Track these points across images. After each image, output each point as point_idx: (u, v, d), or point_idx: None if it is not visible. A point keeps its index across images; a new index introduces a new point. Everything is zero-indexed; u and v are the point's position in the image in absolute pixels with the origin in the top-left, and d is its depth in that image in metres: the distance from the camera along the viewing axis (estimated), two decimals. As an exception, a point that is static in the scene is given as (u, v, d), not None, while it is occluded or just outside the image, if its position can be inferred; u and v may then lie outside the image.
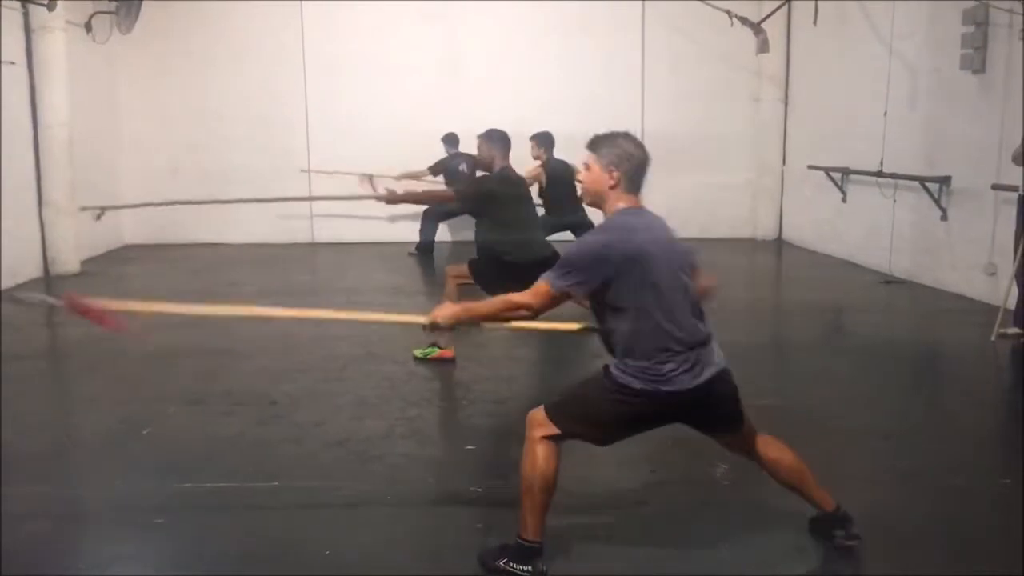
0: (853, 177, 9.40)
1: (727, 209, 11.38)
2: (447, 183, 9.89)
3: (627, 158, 2.95)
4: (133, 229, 11.11)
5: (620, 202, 2.96)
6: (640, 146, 2.99)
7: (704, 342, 2.92)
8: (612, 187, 2.95)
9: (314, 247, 11.28)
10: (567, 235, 7.45)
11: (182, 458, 4.16)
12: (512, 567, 2.99)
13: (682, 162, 10.80)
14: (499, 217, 5.38)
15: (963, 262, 7.51)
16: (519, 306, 2.96)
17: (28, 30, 8.87)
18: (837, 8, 9.40)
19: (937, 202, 7.79)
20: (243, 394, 5.13)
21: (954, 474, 3.93)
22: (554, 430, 2.94)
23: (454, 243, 10.98)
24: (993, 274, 7.06)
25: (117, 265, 10.01)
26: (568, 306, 3.11)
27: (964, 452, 4.25)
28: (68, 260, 9.19)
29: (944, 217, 7.77)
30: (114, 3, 9.83)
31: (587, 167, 3.00)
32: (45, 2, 8.52)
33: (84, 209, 9.51)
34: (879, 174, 8.59)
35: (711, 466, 3.82)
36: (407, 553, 3.30)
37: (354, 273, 9.39)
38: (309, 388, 5.24)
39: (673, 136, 10.71)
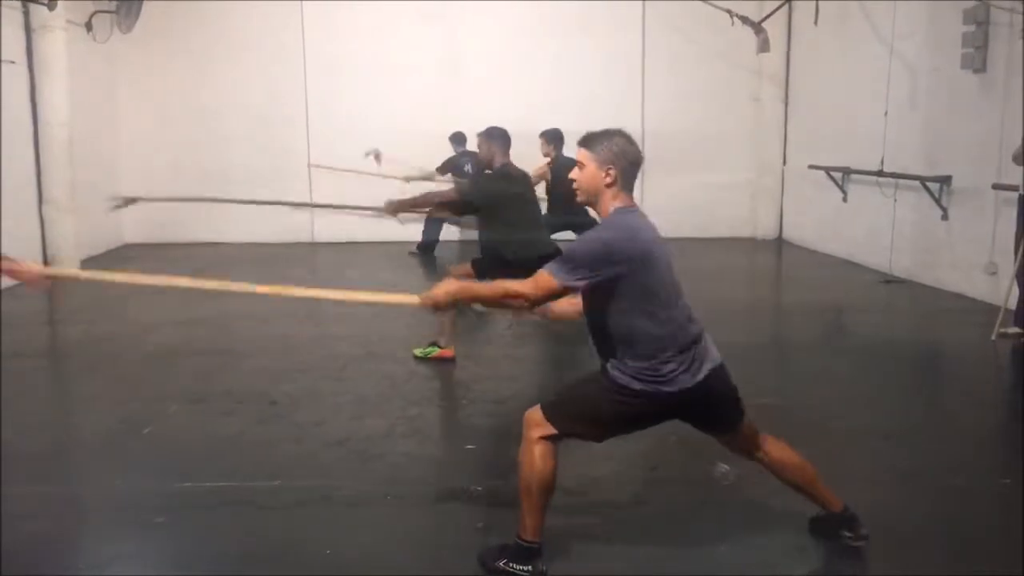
0: (854, 176, 9.40)
1: (727, 209, 11.37)
2: (455, 182, 9.88)
3: (622, 155, 2.89)
4: (133, 228, 11.09)
5: (617, 201, 2.91)
6: (634, 144, 2.93)
7: (698, 339, 2.92)
8: (608, 185, 2.89)
9: (315, 246, 11.28)
10: (568, 235, 7.42)
11: (182, 457, 4.16)
12: (512, 567, 2.98)
13: (682, 162, 10.85)
14: (502, 216, 5.37)
15: (964, 262, 7.51)
16: (518, 295, 2.90)
17: (28, 29, 8.88)
18: (838, 8, 9.40)
19: (938, 202, 7.78)
20: (243, 394, 5.13)
21: (954, 474, 3.92)
22: (551, 430, 2.92)
23: (459, 242, 10.94)
24: (994, 274, 7.06)
25: (117, 264, 9.96)
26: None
27: (964, 452, 4.24)
28: (68, 259, 9.17)
29: (945, 217, 7.77)
30: (114, 2, 9.83)
31: (581, 165, 2.93)
32: (45, 1, 8.52)
33: (112, 200, 9.08)
34: (880, 173, 8.58)
35: (711, 465, 3.81)
36: (407, 553, 3.29)
37: (355, 272, 9.38)
38: (309, 387, 5.24)
39: (673, 136, 10.75)
